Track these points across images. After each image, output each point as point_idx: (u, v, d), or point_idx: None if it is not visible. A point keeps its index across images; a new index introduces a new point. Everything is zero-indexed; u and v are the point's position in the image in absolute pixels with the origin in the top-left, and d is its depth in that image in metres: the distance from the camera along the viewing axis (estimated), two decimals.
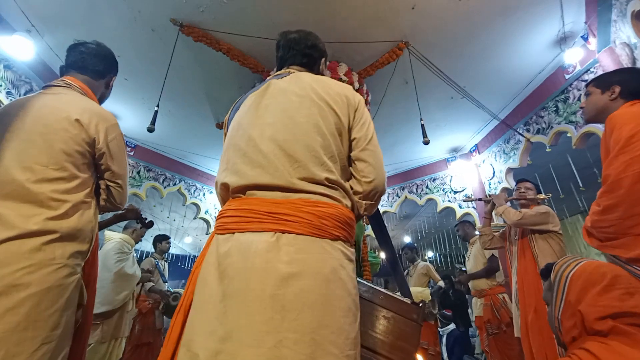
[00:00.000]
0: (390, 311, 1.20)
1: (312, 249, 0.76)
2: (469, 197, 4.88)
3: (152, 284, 3.59)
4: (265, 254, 0.74)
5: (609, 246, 1.23)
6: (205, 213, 5.52)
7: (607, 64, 2.90)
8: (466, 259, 3.76)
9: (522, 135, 4.06)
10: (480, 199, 2.84)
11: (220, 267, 0.77)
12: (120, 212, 1.88)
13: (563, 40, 3.19)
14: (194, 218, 5.67)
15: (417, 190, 5.67)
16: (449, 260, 9.91)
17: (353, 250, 0.87)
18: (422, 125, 3.04)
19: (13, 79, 3.08)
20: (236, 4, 2.74)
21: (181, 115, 4.25)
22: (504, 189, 4.43)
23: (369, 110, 3.60)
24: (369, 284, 1.26)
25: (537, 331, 2.00)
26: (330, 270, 0.76)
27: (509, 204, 2.50)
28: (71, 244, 1.06)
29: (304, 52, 1.11)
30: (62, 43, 3.05)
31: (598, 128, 3.08)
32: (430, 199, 5.49)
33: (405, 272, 4.38)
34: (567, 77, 3.41)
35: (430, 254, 10.43)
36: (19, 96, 3.05)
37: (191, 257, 10.74)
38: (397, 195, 5.85)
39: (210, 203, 5.62)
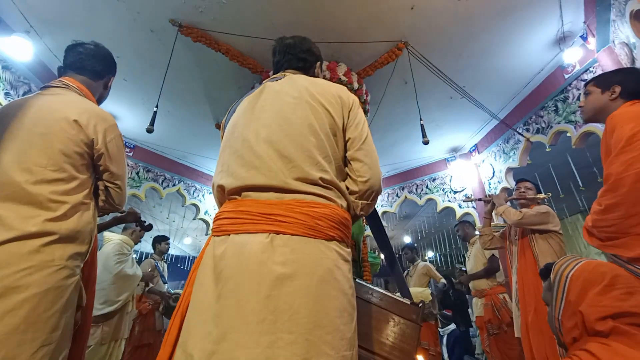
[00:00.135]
0: (389, 312, 1.20)
1: (306, 250, 0.77)
2: (468, 197, 4.89)
3: (152, 285, 3.58)
4: (260, 255, 0.74)
5: (610, 246, 1.23)
6: (204, 214, 5.51)
7: (606, 64, 2.90)
8: (466, 259, 3.76)
9: (522, 135, 4.06)
10: (480, 199, 2.84)
11: (216, 269, 0.77)
12: (120, 215, 1.89)
13: (562, 40, 3.20)
14: (194, 219, 5.66)
15: (416, 190, 5.67)
16: (449, 260, 9.91)
17: (349, 250, 0.88)
18: (422, 125, 3.04)
19: (12, 79, 3.07)
20: (235, 4, 2.73)
21: (180, 116, 4.24)
22: (504, 189, 4.43)
23: (368, 110, 3.62)
24: (368, 285, 1.26)
25: (538, 331, 2.00)
26: (325, 270, 0.76)
27: (509, 203, 2.50)
28: (70, 246, 1.05)
29: (299, 57, 1.14)
30: (61, 44, 3.03)
31: (597, 127, 3.08)
32: (430, 199, 5.49)
33: (405, 273, 4.38)
34: (566, 76, 3.42)
35: (430, 254, 10.43)
36: (18, 97, 3.05)
37: (191, 258, 10.73)
38: (397, 195, 5.85)
39: (210, 204, 5.62)
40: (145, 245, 7.68)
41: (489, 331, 3.13)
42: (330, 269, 0.77)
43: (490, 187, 4.74)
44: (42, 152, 1.07)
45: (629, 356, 0.72)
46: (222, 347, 0.67)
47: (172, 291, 3.86)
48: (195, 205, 5.46)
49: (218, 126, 4.22)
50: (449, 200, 5.29)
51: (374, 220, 1.52)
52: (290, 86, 0.99)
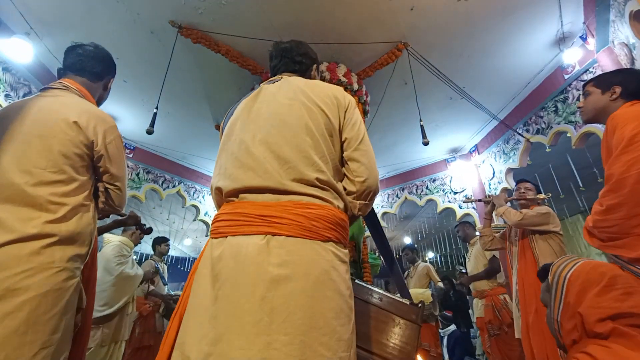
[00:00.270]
0: (389, 312, 1.20)
1: (302, 251, 0.77)
2: (468, 197, 4.88)
3: (153, 286, 3.58)
4: (256, 256, 0.75)
5: (611, 246, 1.23)
6: (204, 215, 5.51)
7: (605, 64, 2.90)
8: (466, 260, 3.76)
9: (522, 136, 4.06)
10: (480, 200, 2.84)
11: (213, 271, 0.78)
12: (120, 218, 1.90)
13: (562, 41, 3.20)
14: (194, 220, 5.66)
15: (417, 191, 5.67)
16: (449, 261, 9.90)
17: (346, 251, 0.88)
18: (422, 126, 3.04)
19: (12, 81, 3.07)
20: (235, 5, 2.74)
21: (180, 117, 4.25)
22: (504, 190, 4.43)
23: (368, 111, 3.62)
24: (368, 285, 1.26)
25: (538, 332, 1.99)
26: (321, 271, 0.76)
27: (509, 204, 2.50)
28: (70, 247, 1.05)
29: (295, 60, 1.15)
30: (60, 46, 3.03)
31: (597, 128, 3.08)
32: (430, 200, 5.49)
33: (406, 274, 4.37)
34: (566, 77, 3.42)
35: (430, 254, 10.43)
36: (18, 99, 3.05)
37: (191, 259, 10.73)
38: (397, 196, 5.85)
39: (210, 205, 5.62)
40: (145, 246, 7.68)
41: (490, 332, 3.12)
42: (327, 270, 0.77)
43: (490, 188, 4.74)
44: (42, 154, 1.07)
45: (629, 358, 0.72)
46: (218, 348, 0.68)
47: (173, 293, 3.85)
48: (195, 206, 5.46)
49: (218, 127, 4.22)
50: (449, 201, 5.28)
51: (371, 220, 1.52)
52: (286, 88, 1.00)
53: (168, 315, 3.50)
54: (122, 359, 2.64)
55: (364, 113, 3.52)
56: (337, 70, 3.22)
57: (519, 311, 2.23)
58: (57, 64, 3.16)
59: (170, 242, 4.30)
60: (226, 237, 0.81)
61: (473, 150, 5.12)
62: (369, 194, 0.93)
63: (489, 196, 2.66)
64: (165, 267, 4.16)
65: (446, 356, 4.53)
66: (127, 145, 4.69)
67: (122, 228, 2.95)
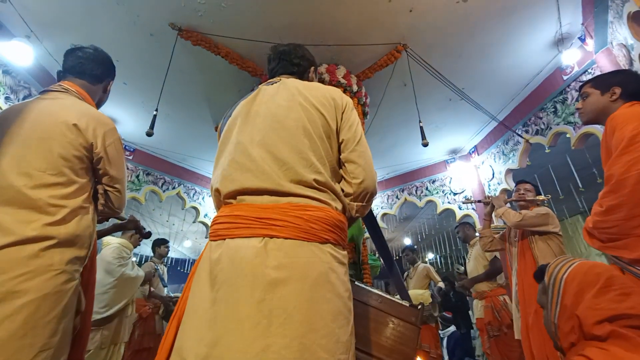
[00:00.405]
0: (388, 314, 1.20)
1: (300, 253, 0.77)
2: (468, 198, 4.88)
3: (153, 288, 3.57)
4: (254, 259, 0.75)
5: (611, 247, 1.23)
6: (204, 216, 5.51)
7: (604, 65, 2.91)
8: (466, 261, 3.75)
9: (521, 137, 4.07)
10: (479, 201, 2.84)
11: (211, 274, 0.78)
12: (120, 222, 1.91)
13: (560, 42, 3.21)
14: (194, 222, 5.66)
15: (416, 192, 5.67)
16: (449, 261, 9.89)
17: (345, 252, 0.88)
18: (421, 127, 3.05)
19: (12, 84, 3.08)
20: (234, 8, 2.74)
21: (180, 119, 4.25)
22: (504, 190, 4.43)
23: (367, 112, 3.62)
24: (367, 287, 1.26)
25: (538, 333, 1.99)
26: (319, 273, 0.76)
27: (508, 205, 2.50)
28: (69, 250, 1.05)
29: (293, 62, 1.15)
30: (61, 48, 3.04)
31: (597, 129, 3.08)
32: (429, 201, 5.49)
33: (406, 274, 4.36)
34: (565, 78, 3.43)
35: (430, 255, 10.42)
36: (18, 101, 3.06)
37: (190, 260, 10.71)
38: (397, 197, 5.85)
39: (210, 207, 5.61)
40: (145, 248, 7.67)
41: (489, 333, 3.11)
42: (325, 272, 0.77)
43: (490, 189, 4.74)
44: (42, 156, 1.07)
45: None
46: (216, 351, 0.68)
47: (172, 294, 3.84)
48: (195, 208, 5.46)
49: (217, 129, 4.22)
50: (448, 202, 5.28)
51: (370, 221, 1.52)
52: (284, 90, 1.00)
53: (168, 317, 3.49)
54: None
55: (364, 114, 3.53)
56: (337, 72, 3.23)
57: (518, 312, 2.23)
58: (57, 67, 3.15)
59: (170, 243, 4.29)
60: (224, 239, 0.81)
61: (472, 151, 5.13)
62: (366, 196, 0.93)
63: (489, 197, 2.66)
64: (165, 269, 4.15)
65: (446, 357, 4.52)
66: (127, 147, 4.69)
67: None
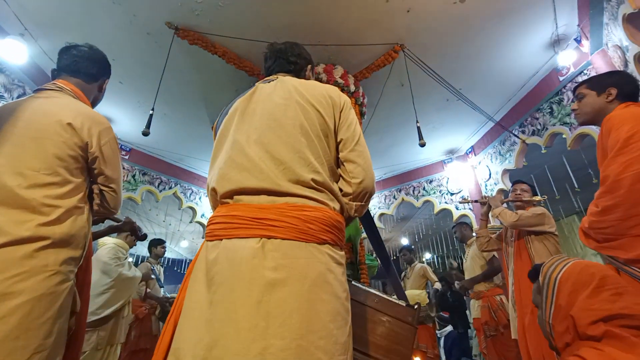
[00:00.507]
0: (385, 314, 1.20)
1: (298, 254, 0.76)
2: (465, 198, 4.89)
3: (149, 289, 3.55)
4: (251, 260, 0.74)
5: (607, 247, 1.24)
6: (201, 217, 5.49)
7: (599, 66, 2.93)
8: (464, 261, 3.76)
9: (518, 137, 4.09)
10: (476, 201, 2.85)
11: (208, 274, 0.77)
12: (115, 224, 1.90)
13: (556, 43, 3.23)
14: (190, 222, 5.63)
15: (413, 192, 5.68)
16: (446, 261, 9.93)
17: (342, 253, 0.87)
18: (418, 128, 3.05)
19: (6, 82, 3.05)
20: (231, 7, 2.74)
21: (177, 119, 4.23)
22: (500, 191, 4.45)
23: (365, 112, 3.62)
24: (364, 287, 1.25)
25: (534, 333, 2.00)
26: (317, 274, 0.75)
27: (505, 205, 2.51)
28: (64, 250, 1.04)
29: (289, 60, 1.15)
30: (56, 47, 3.01)
31: (592, 129, 3.11)
32: (427, 201, 5.51)
33: (403, 274, 4.37)
34: (561, 79, 3.45)
35: (427, 255, 10.45)
36: (12, 100, 3.02)
37: (187, 261, 10.66)
38: (394, 197, 5.86)
39: (207, 207, 5.59)
40: (141, 248, 7.63)
41: (486, 333, 3.12)
42: (322, 272, 0.76)
43: (486, 189, 4.76)
44: (36, 156, 1.05)
45: None
46: (214, 353, 0.67)
47: (169, 295, 3.83)
48: (191, 208, 5.44)
49: None
50: (445, 202, 5.30)
51: (367, 221, 1.52)
52: (281, 88, 0.99)
53: (164, 318, 3.48)
54: None
55: (361, 115, 3.53)
56: (334, 72, 3.23)
57: (515, 312, 2.24)
58: (51, 65, 3.14)
59: (167, 244, 4.27)
60: (221, 240, 0.80)
61: (469, 152, 5.15)
62: (365, 195, 0.93)
63: (485, 197, 2.67)
64: (162, 269, 4.13)
65: (443, 357, 4.53)
66: (123, 147, 4.66)
67: None
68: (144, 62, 3.29)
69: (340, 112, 0.97)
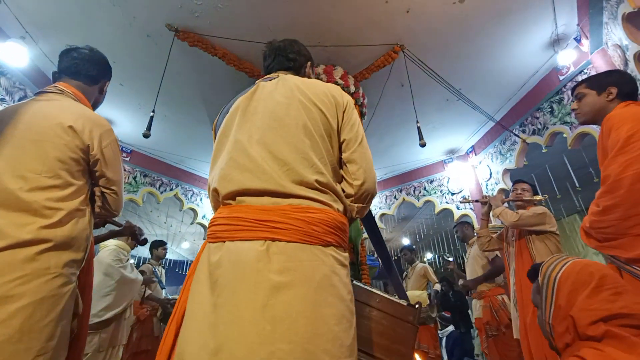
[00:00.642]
0: (386, 313, 1.20)
1: (303, 257, 0.75)
2: (466, 198, 4.89)
3: (150, 291, 3.56)
4: (256, 263, 0.73)
5: (608, 247, 1.24)
6: (202, 218, 5.49)
7: (599, 65, 2.93)
8: (465, 261, 3.75)
9: (518, 137, 4.08)
10: (477, 201, 2.84)
11: (211, 277, 0.76)
12: (116, 229, 1.91)
13: (556, 42, 3.23)
14: (191, 223, 5.64)
15: (414, 192, 5.68)
16: (446, 253, 9.91)
17: (347, 255, 0.86)
18: (419, 128, 3.05)
19: (7, 85, 3.06)
20: (231, 9, 2.74)
21: (177, 121, 4.24)
22: (501, 190, 4.44)
23: (365, 113, 3.62)
24: (365, 287, 1.25)
25: (536, 332, 1.99)
26: (322, 277, 0.74)
27: (506, 205, 2.51)
28: (66, 253, 1.04)
29: (288, 57, 1.13)
30: (56, 49, 3.02)
31: (593, 128, 3.10)
32: (427, 201, 5.50)
33: (404, 274, 4.36)
34: (561, 78, 3.45)
35: (429, 255, 10.43)
36: (13, 103, 3.03)
37: (188, 262, 10.66)
38: (395, 197, 5.86)
39: (208, 208, 5.59)
40: (143, 250, 7.63)
41: (488, 333, 3.12)
42: (328, 275, 0.75)
43: (487, 189, 4.76)
44: (37, 159, 1.06)
45: None
46: (220, 358, 0.66)
47: (170, 296, 3.83)
48: (192, 209, 5.44)
49: None
50: (446, 202, 5.29)
51: (369, 222, 1.52)
52: (283, 86, 0.97)
53: (165, 320, 3.48)
54: None
55: (361, 115, 3.53)
56: (334, 73, 3.23)
57: (517, 312, 2.23)
58: (52, 68, 3.14)
59: (168, 245, 4.28)
60: (224, 242, 0.79)
61: (470, 152, 5.14)
62: (367, 197, 0.92)
63: (486, 197, 2.67)
64: (163, 270, 4.14)
65: (445, 357, 4.52)
66: (124, 149, 4.67)
67: None
68: (144, 64, 3.29)
69: (343, 112, 0.96)
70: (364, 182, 0.90)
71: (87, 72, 1.32)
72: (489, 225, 2.75)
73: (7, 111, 1.15)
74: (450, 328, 4.78)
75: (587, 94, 1.47)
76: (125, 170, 4.65)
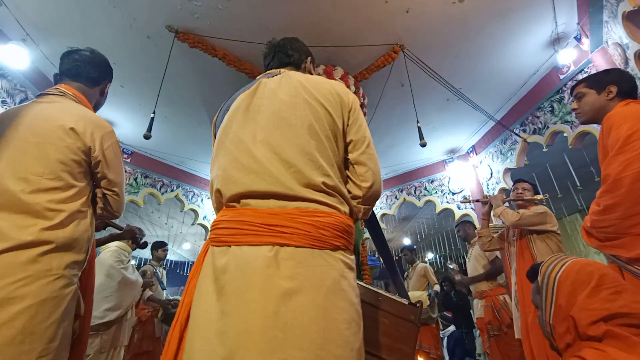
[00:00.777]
0: (387, 313, 1.20)
1: (312, 262, 0.73)
2: (466, 198, 4.89)
3: (150, 292, 3.56)
4: (265, 269, 0.71)
5: (609, 246, 1.23)
6: (203, 219, 5.50)
7: (600, 64, 2.93)
8: (467, 260, 3.75)
9: (519, 136, 4.08)
10: (477, 200, 2.84)
11: (218, 282, 0.74)
12: (117, 232, 1.92)
13: (556, 41, 3.22)
14: (192, 224, 5.64)
15: (415, 192, 5.68)
16: (449, 261, 9.90)
17: (353, 257, 0.85)
18: (419, 128, 3.05)
19: (8, 87, 3.07)
20: (231, 10, 2.75)
21: (178, 122, 4.24)
22: (502, 190, 4.44)
23: (365, 113, 3.62)
24: (366, 286, 1.25)
25: (538, 332, 1.99)
26: (332, 282, 0.73)
27: (506, 204, 2.50)
28: (68, 254, 1.04)
29: (288, 53, 1.12)
30: (57, 51, 3.03)
31: (593, 127, 3.10)
32: (428, 201, 5.50)
33: (405, 275, 4.36)
34: (561, 77, 3.44)
35: (430, 255, 10.43)
36: (14, 105, 3.04)
37: (189, 263, 10.67)
38: (396, 197, 5.86)
39: (209, 209, 5.60)
40: (144, 251, 7.64)
41: (490, 333, 3.11)
42: (337, 280, 0.74)
43: (488, 188, 4.75)
44: (39, 161, 1.06)
45: None
46: None
47: (171, 297, 3.83)
48: (193, 210, 5.45)
49: None
50: (447, 202, 5.29)
51: (371, 222, 1.52)
52: (286, 84, 0.94)
53: (167, 321, 3.48)
54: None
55: None
56: (334, 73, 3.24)
57: (518, 311, 2.23)
58: (53, 70, 3.15)
59: (169, 246, 4.28)
60: (230, 246, 0.76)
61: (471, 151, 5.14)
62: (374, 199, 0.91)
63: (487, 196, 2.66)
64: (164, 271, 4.14)
65: (446, 357, 4.51)
66: (124, 150, 4.68)
67: None
68: (144, 66, 3.30)
69: (349, 112, 0.94)
70: (373, 184, 0.89)
71: (88, 74, 1.32)
72: (490, 225, 2.75)
73: (9, 113, 1.16)
74: (452, 328, 4.77)
75: (587, 94, 1.47)
76: (126, 171, 4.66)
